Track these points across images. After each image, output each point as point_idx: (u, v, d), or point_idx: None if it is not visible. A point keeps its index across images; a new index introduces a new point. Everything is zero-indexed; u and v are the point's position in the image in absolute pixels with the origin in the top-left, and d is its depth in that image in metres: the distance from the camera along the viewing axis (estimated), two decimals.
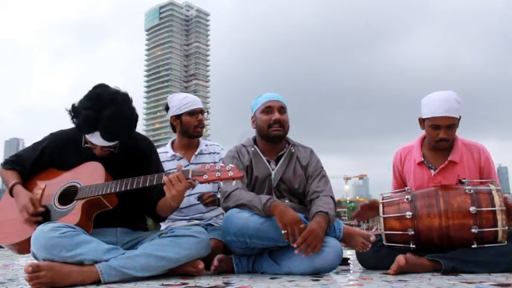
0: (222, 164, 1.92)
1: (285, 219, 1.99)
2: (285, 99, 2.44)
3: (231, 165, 1.91)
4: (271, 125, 2.33)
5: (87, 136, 2.05)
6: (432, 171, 2.39)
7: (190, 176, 1.92)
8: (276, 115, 2.34)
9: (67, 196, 2.08)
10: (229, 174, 1.87)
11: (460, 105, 2.31)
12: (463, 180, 2.19)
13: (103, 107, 1.95)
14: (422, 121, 2.41)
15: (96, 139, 2.02)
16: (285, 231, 1.99)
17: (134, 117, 2.05)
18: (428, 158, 2.44)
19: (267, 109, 2.37)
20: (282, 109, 2.38)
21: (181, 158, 2.79)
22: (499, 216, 2.04)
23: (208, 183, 1.91)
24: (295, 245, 1.98)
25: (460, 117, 2.34)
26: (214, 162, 2.54)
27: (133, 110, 2.06)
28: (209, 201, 2.61)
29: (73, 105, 2.02)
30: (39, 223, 1.98)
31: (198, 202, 2.69)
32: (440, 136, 2.31)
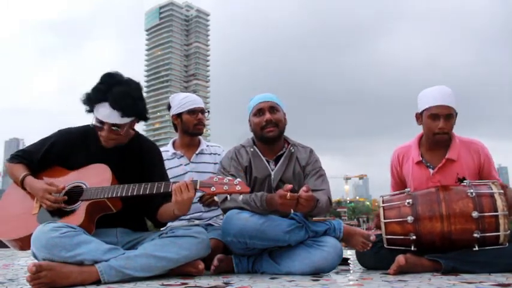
0: (230, 178, 1.95)
1: (278, 206, 2.00)
2: (278, 98, 2.42)
3: (238, 179, 1.93)
4: (264, 126, 2.33)
5: (96, 112, 2.06)
6: (431, 170, 2.38)
7: (198, 187, 1.94)
8: (267, 116, 2.33)
9: (72, 196, 2.08)
10: (237, 189, 1.90)
11: (456, 100, 2.32)
12: (465, 182, 2.18)
13: (115, 84, 2.05)
14: (419, 116, 2.39)
15: (103, 110, 2.04)
16: (291, 211, 2.01)
17: (143, 103, 2.13)
18: (426, 157, 2.42)
19: (258, 111, 2.37)
20: (273, 108, 2.37)
21: (181, 157, 2.81)
22: (501, 221, 2.02)
23: (215, 195, 1.94)
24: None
25: (456, 114, 2.34)
26: (218, 173, 2.58)
27: (143, 98, 2.14)
28: (209, 201, 2.61)
29: (86, 92, 2.11)
30: (58, 213, 2.01)
31: (197, 201, 2.70)
32: (439, 126, 2.28)
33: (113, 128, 2.08)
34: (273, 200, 2.03)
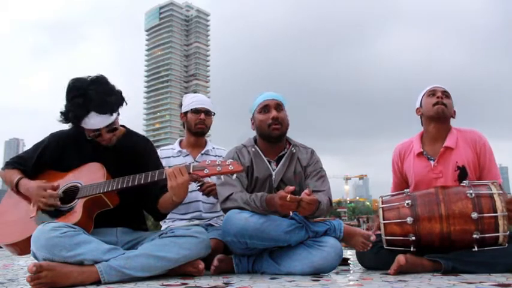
0: (222, 159, 1.96)
1: (277, 207, 2.00)
2: (283, 97, 2.43)
3: (231, 160, 1.95)
4: (270, 123, 2.33)
5: (85, 125, 2.06)
6: (432, 162, 2.40)
7: (191, 170, 1.95)
8: (273, 113, 2.33)
9: (68, 196, 2.09)
10: (230, 168, 1.90)
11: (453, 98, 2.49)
12: (464, 182, 2.18)
13: (87, 90, 2.03)
14: (419, 109, 2.52)
15: (94, 120, 2.04)
16: (290, 213, 2.03)
17: (119, 91, 2.13)
18: (427, 150, 2.45)
19: (264, 108, 2.37)
20: (278, 106, 2.37)
21: (187, 155, 2.86)
22: (500, 222, 2.02)
23: (209, 177, 1.95)
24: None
25: (454, 111, 2.46)
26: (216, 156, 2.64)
27: (114, 86, 2.13)
28: (209, 190, 2.60)
29: (60, 111, 2.10)
30: (47, 218, 2.00)
31: (198, 199, 2.72)
32: (437, 96, 2.40)
33: (110, 129, 2.11)
34: (273, 200, 2.03)
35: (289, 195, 1.95)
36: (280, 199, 1.97)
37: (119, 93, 2.14)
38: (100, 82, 2.09)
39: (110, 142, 2.16)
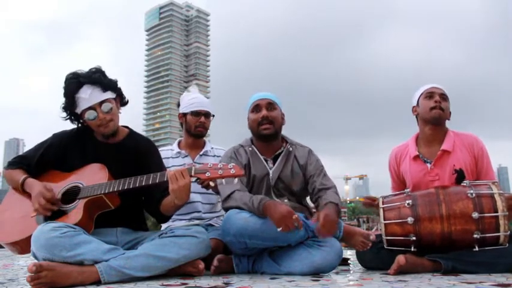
0: (224, 163, 1.95)
1: (276, 216, 1.97)
2: (276, 96, 2.43)
3: (232, 163, 1.94)
4: (260, 123, 2.34)
5: (80, 104, 2.11)
6: (428, 165, 2.39)
7: (193, 173, 1.94)
8: (263, 112, 2.34)
9: (70, 196, 2.09)
10: (231, 172, 1.90)
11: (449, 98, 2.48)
12: (464, 182, 2.18)
13: (80, 74, 2.14)
14: (416, 108, 2.49)
15: (85, 93, 2.09)
16: (280, 228, 1.96)
17: (113, 79, 2.20)
18: (423, 152, 2.45)
19: (255, 108, 2.38)
20: (270, 105, 2.37)
21: (186, 156, 2.84)
22: (501, 222, 2.02)
23: (211, 180, 1.94)
24: (316, 232, 2.00)
25: (450, 112, 2.45)
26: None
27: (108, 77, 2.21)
28: (206, 183, 2.57)
29: (61, 107, 2.19)
30: (48, 218, 2.00)
31: (196, 200, 2.71)
32: (435, 99, 2.38)
33: (104, 107, 2.12)
34: (272, 208, 2.00)
35: (295, 215, 1.95)
36: (288, 212, 1.96)
37: (112, 79, 2.19)
38: (94, 67, 2.18)
39: (108, 128, 2.15)
